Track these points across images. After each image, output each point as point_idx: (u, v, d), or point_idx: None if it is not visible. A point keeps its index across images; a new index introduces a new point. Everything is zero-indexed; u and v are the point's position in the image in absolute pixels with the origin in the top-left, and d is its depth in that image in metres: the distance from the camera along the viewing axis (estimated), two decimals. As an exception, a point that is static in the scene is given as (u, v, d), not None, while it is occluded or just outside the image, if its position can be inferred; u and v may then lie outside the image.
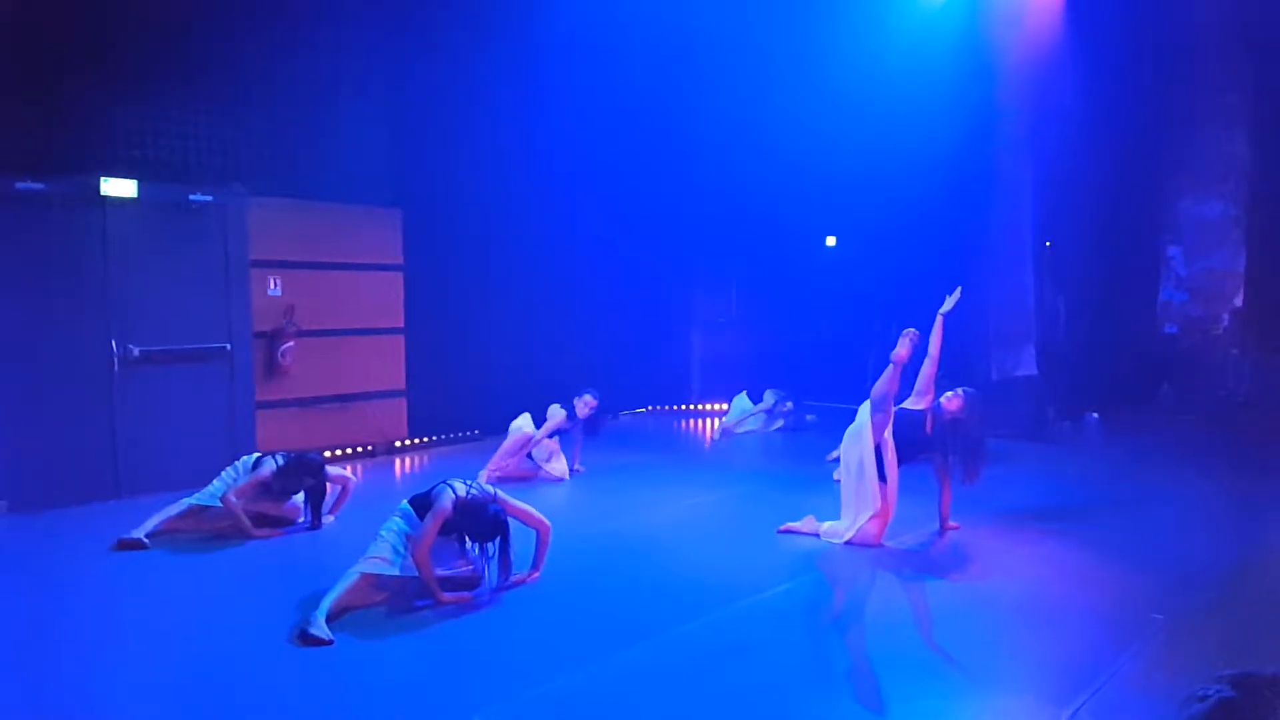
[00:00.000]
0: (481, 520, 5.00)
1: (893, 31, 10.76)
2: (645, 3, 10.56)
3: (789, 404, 11.00)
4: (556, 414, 8.16)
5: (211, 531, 6.26)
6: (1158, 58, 11.13)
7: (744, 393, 11.15)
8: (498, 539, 5.01)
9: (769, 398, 11.06)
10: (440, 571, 5.04)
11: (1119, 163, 11.49)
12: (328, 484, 6.52)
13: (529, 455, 8.18)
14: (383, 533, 4.99)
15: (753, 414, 10.94)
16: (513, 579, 5.18)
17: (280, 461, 6.31)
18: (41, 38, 7.19)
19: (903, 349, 5.99)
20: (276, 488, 6.31)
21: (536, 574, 5.32)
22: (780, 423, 10.94)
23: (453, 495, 4.97)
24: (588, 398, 8.29)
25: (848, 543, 6.02)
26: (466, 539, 5.12)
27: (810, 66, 10.91)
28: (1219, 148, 12.52)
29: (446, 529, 4.99)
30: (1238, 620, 4.76)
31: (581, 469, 8.48)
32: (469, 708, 3.75)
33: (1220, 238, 13.18)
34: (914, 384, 6.41)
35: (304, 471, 6.36)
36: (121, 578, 5.49)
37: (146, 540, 6.01)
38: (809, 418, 11.00)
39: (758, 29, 10.94)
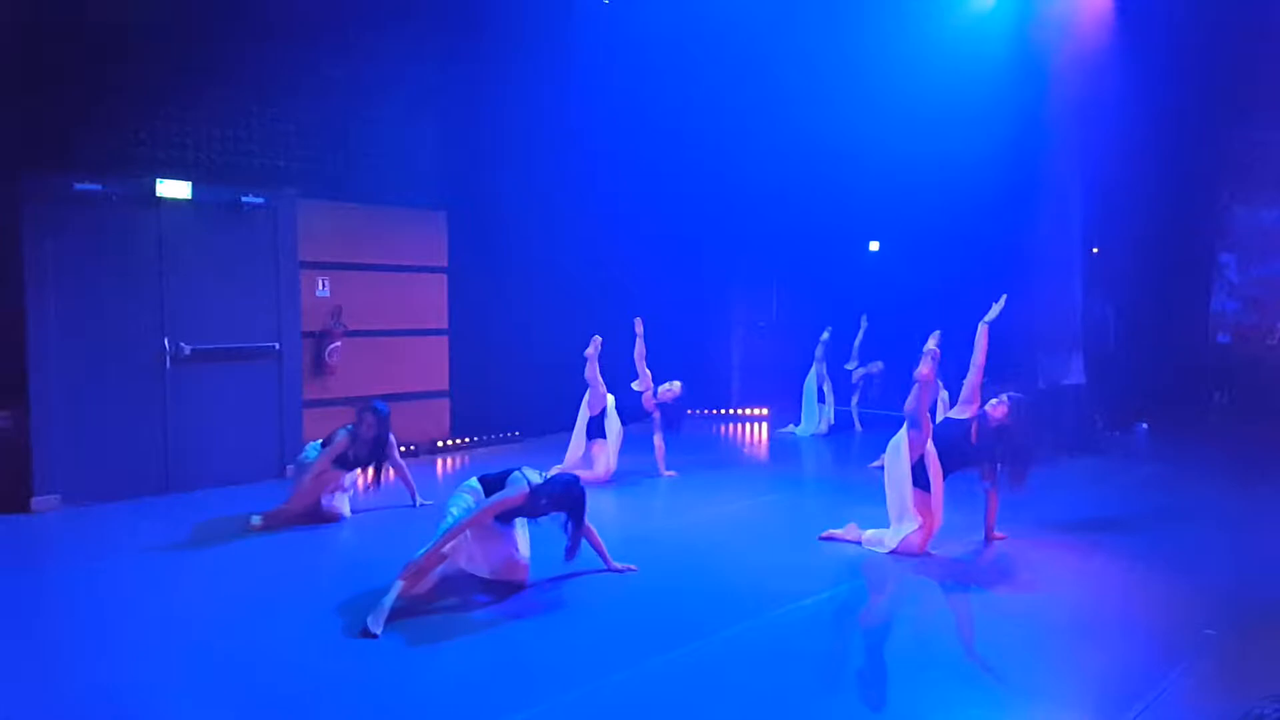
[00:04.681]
0: (562, 494, 4.96)
1: (940, 34, 10.67)
2: (689, 6, 10.57)
3: (879, 364, 10.97)
4: (645, 375, 8.29)
5: (267, 527, 6.44)
6: (1210, 60, 10.90)
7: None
8: (567, 512, 4.96)
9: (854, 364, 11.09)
10: (483, 573, 5.09)
11: (1170, 167, 11.28)
12: (391, 435, 6.84)
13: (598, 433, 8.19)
14: (451, 509, 5.01)
15: (820, 406, 10.98)
16: (616, 566, 5.44)
17: (349, 427, 6.66)
18: (99, 42, 7.37)
19: (925, 367, 5.83)
20: (351, 455, 6.65)
21: (620, 564, 5.48)
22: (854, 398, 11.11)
23: (526, 484, 4.95)
24: (675, 385, 8.35)
25: (891, 552, 5.97)
26: (527, 519, 5.13)
27: (856, 68, 10.84)
28: (1275, 152, 12.25)
29: (506, 516, 5.01)
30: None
31: (672, 473, 8.44)
32: (510, 707, 3.77)
33: (1275, 244, 12.88)
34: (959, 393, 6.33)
35: (373, 414, 6.65)
36: (171, 570, 5.60)
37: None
38: (874, 367, 11.01)
39: (802, 31, 10.90)
